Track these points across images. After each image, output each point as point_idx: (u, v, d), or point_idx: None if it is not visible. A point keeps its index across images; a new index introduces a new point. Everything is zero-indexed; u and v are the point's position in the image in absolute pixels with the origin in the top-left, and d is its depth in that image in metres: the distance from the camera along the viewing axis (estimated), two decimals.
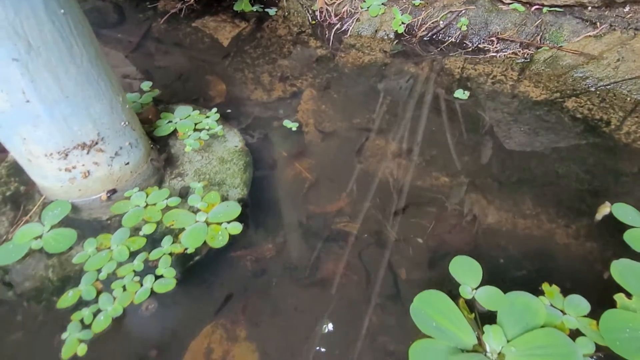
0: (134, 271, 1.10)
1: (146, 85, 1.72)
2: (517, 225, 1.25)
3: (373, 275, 1.14)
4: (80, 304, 1.05)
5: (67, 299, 1.04)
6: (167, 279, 1.09)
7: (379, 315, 1.06)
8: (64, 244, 1.14)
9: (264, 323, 1.05)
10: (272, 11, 2.36)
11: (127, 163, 1.21)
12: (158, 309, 1.06)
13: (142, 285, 1.08)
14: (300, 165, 1.47)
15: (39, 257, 1.13)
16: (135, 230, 1.18)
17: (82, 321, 1.01)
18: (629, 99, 1.64)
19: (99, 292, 1.06)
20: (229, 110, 1.68)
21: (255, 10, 2.38)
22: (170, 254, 1.13)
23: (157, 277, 1.09)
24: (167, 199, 1.25)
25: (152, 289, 1.07)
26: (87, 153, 1.10)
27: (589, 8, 1.84)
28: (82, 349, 0.97)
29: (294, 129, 1.60)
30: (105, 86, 1.08)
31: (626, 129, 1.54)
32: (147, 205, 1.23)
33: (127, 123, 1.17)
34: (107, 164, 1.16)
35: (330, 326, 1.03)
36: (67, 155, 1.08)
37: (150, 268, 1.11)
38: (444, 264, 1.11)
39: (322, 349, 0.99)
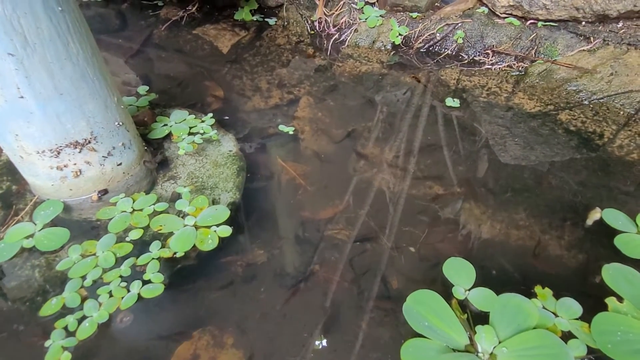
0: (121, 276, 1.08)
1: (142, 89, 1.73)
2: (510, 235, 1.25)
3: (364, 283, 1.13)
4: (65, 310, 1.02)
5: (50, 307, 1.01)
6: (155, 284, 1.07)
7: (369, 323, 1.04)
8: (56, 242, 1.13)
9: (251, 330, 1.04)
10: (271, 21, 2.39)
11: (120, 164, 1.21)
12: (144, 314, 1.05)
13: (129, 290, 1.05)
14: (294, 171, 1.47)
15: (28, 256, 1.12)
16: (122, 236, 1.17)
17: (66, 328, 0.98)
18: (622, 112, 1.66)
19: (83, 299, 1.04)
20: (226, 117, 1.69)
21: (255, 19, 2.41)
22: (159, 258, 1.11)
23: (144, 283, 1.07)
24: (154, 204, 1.23)
25: (139, 294, 1.05)
26: (80, 152, 1.10)
27: (583, 23, 1.87)
28: (65, 357, 0.94)
29: (291, 132, 1.60)
30: (100, 85, 1.08)
31: (619, 142, 1.55)
32: (133, 210, 1.21)
33: (121, 123, 1.17)
34: (99, 164, 1.16)
35: (324, 342, 1.01)
36: (59, 153, 1.08)
37: (138, 273, 1.09)
38: (436, 272, 1.10)
39: (311, 356, 0.98)
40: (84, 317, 1.01)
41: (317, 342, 1.00)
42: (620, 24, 1.80)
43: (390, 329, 1.03)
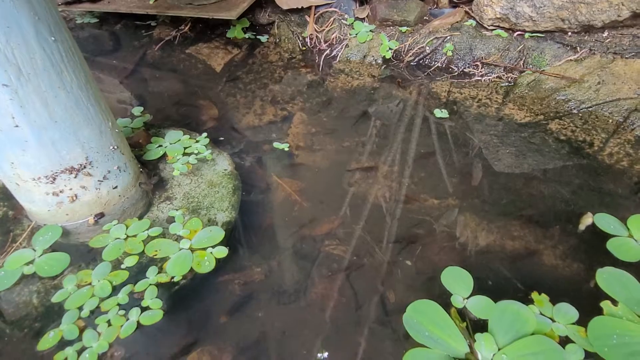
0: (119, 304, 1.07)
1: (137, 110, 1.75)
2: (505, 244, 1.26)
3: (362, 298, 1.13)
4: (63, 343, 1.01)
5: (48, 341, 1.00)
6: (154, 311, 1.07)
7: (368, 339, 1.05)
8: (57, 268, 1.13)
9: (250, 348, 1.04)
10: (263, 38, 2.42)
11: (116, 187, 1.22)
12: (146, 336, 1.05)
13: (127, 318, 1.05)
14: (290, 188, 1.48)
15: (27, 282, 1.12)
16: (117, 264, 1.17)
17: None
18: (610, 120, 1.68)
19: (82, 330, 1.03)
20: (221, 138, 1.71)
21: (247, 37, 2.45)
22: (157, 284, 1.11)
23: (143, 309, 1.07)
24: (147, 229, 1.23)
25: (138, 321, 1.05)
26: (75, 177, 1.11)
27: (569, 33, 1.90)
28: None
29: (286, 149, 1.62)
30: (95, 111, 1.10)
31: (609, 150, 1.57)
32: (127, 237, 1.21)
33: (116, 147, 1.19)
34: (95, 188, 1.17)
35: (325, 354, 1.02)
36: (54, 179, 1.08)
37: (135, 300, 1.09)
38: (433, 285, 1.11)
39: None
40: (83, 348, 1.00)
41: (319, 356, 1.00)
42: (606, 34, 1.84)
43: (390, 343, 1.03)
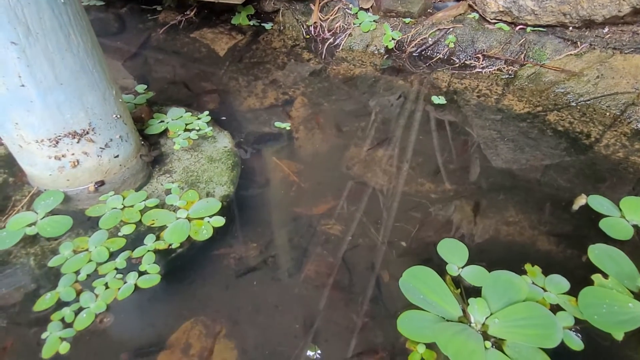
0: (116, 269, 1.09)
1: (141, 87, 1.76)
2: (499, 225, 1.27)
3: (356, 277, 1.15)
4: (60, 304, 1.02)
5: (44, 302, 1.01)
6: (152, 275, 1.08)
7: (361, 317, 1.05)
8: (59, 229, 1.15)
9: (244, 321, 1.05)
10: (268, 25, 2.44)
11: (117, 156, 1.23)
12: (140, 303, 1.06)
13: (125, 282, 1.06)
14: (288, 168, 1.50)
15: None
16: (114, 232, 1.17)
17: (63, 320, 0.99)
18: (608, 113, 1.70)
19: (78, 293, 1.04)
20: (223, 117, 1.72)
21: (252, 24, 2.46)
22: (154, 250, 1.13)
23: (140, 274, 1.08)
24: (144, 200, 1.24)
25: (136, 284, 1.06)
26: (78, 142, 1.13)
27: (570, 28, 1.92)
28: (64, 347, 0.94)
29: (288, 128, 1.64)
30: (100, 77, 1.11)
31: (605, 141, 1.59)
32: (124, 207, 1.22)
33: (118, 116, 1.20)
34: (96, 155, 1.18)
35: (316, 331, 1.02)
36: (57, 142, 1.10)
37: (133, 265, 1.10)
38: (427, 264, 1.13)
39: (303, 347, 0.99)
40: (81, 309, 1.01)
41: (309, 332, 1.01)
42: (606, 29, 1.86)
43: (382, 319, 1.05)
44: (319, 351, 0.98)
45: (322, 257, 1.20)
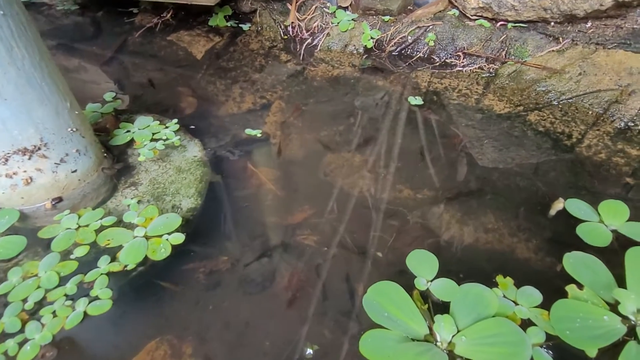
0: (66, 295, 1.03)
1: (109, 95, 1.71)
2: (480, 239, 1.23)
3: (330, 291, 1.10)
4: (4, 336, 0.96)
5: None
6: (103, 300, 1.03)
7: (334, 331, 1.01)
8: (12, 250, 1.10)
9: (212, 339, 1.01)
10: (245, 26, 2.38)
11: (75, 171, 1.18)
12: (102, 323, 1.01)
13: (74, 309, 1.01)
14: (265, 176, 1.45)
15: None
16: (66, 254, 1.12)
17: (5, 353, 0.93)
18: (590, 112, 1.65)
19: (25, 323, 0.98)
20: (195, 125, 1.66)
21: (229, 25, 2.41)
22: (108, 273, 1.07)
23: (91, 300, 1.03)
24: (101, 218, 1.18)
25: (85, 312, 1.00)
26: (29, 159, 1.08)
27: (552, 24, 1.87)
28: None
29: (258, 135, 1.59)
30: (50, 90, 1.06)
31: (587, 142, 1.54)
32: (79, 227, 1.17)
33: (74, 129, 1.15)
34: (51, 171, 1.13)
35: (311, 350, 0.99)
36: (7, 160, 1.05)
37: (85, 290, 1.05)
38: (402, 276, 1.09)
39: None
40: (25, 340, 0.95)
41: (281, 351, 0.97)
42: (589, 24, 1.81)
43: (355, 333, 1.01)
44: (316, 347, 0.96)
45: (296, 270, 1.16)
